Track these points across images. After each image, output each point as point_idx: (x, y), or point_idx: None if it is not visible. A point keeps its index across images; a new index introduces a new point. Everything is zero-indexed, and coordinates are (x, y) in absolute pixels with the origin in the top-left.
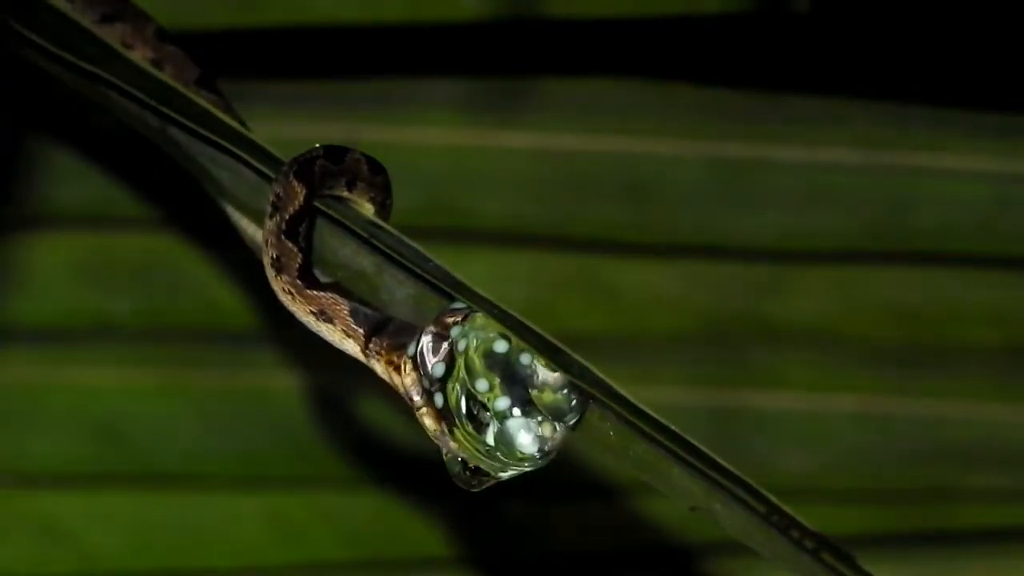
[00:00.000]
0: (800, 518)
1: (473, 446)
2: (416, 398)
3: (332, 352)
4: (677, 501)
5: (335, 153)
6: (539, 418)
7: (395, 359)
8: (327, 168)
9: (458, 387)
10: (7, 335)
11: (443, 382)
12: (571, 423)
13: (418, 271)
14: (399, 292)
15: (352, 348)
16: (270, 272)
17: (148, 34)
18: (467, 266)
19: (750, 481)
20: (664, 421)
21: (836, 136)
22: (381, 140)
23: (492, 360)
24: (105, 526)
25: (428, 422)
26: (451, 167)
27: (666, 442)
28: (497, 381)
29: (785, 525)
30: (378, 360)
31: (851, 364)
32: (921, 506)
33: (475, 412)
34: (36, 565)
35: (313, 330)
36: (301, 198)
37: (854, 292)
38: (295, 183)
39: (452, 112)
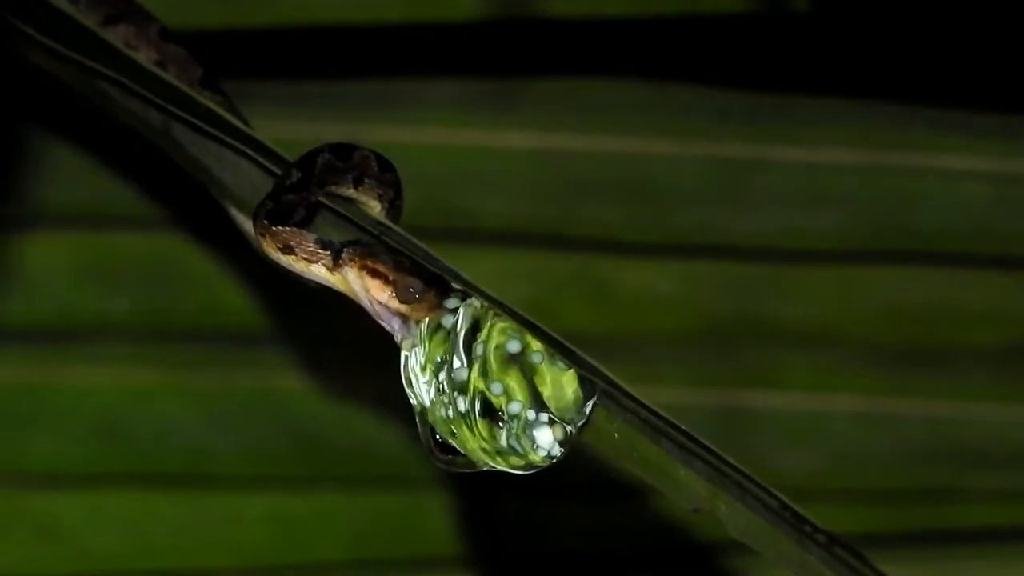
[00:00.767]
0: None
1: (484, 446)
2: (394, 303)
3: (332, 352)
4: (681, 502)
5: (342, 150)
6: (551, 420)
7: (370, 263)
8: (332, 163)
9: (473, 388)
10: (7, 335)
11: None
12: (580, 424)
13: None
14: None
15: (321, 272)
16: (252, 228)
17: (152, 35)
18: (466, 266)
19: (760, 480)
20: (675, 421)
21: (836, 136)
22: (381, 140)
23: (506, 361)
24: (105, 526)
25: (405, 331)
26: (451, 167)
27: (681, 439)
28: (510, 383)
29: (797, 521)
30: (351, 266)
31: (851, 364)
32: (921, 506)
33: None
34: (36, 565)
35: (287, 268)
36: (293, 179)
37: (854, 292)
38: (292, 170)
39: (452, 112)
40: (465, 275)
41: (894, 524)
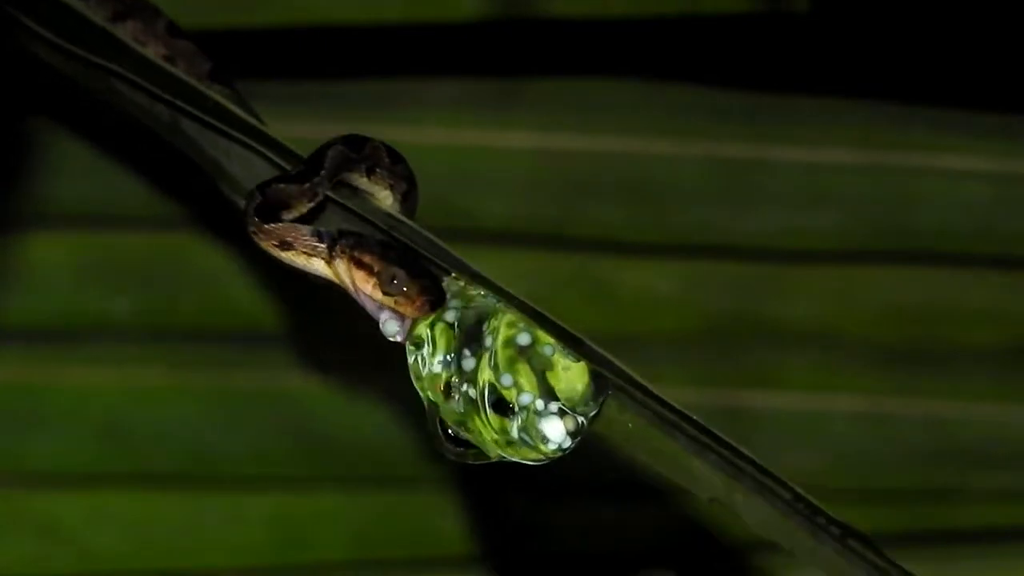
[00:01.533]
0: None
1: (495, 437)
2: (379, 295)
3: (333, 352)
4: (698, 494)
5: (354, 141)
6: (563, 411)
7: (356, 254)
8: (346, 155)
9: (483, 380)
10: (7, 335)
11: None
12: (592, 415)
13: (436, 263)
14: None
15: (320, 267)
16: (247, 226)
17: (160, 30)
18: None
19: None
20: (689, 412)
21: (836, 136)
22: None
23: (516, 353)
24: (105, 526)
25: (391, 324)
26: (451, 167)
27: (693, 431)
28: (521, 375)
29: (811, 513)
30: (341, 258)
31: (851, 364)
32: (921, 506)
33: (500, 404)
34: (36, 565)
35: (287, 264)
36: (293, 172)
37: (854, 292)
38: (299, 165)
39: (452, 112)
40: (474, 268)
41: (894, 524)
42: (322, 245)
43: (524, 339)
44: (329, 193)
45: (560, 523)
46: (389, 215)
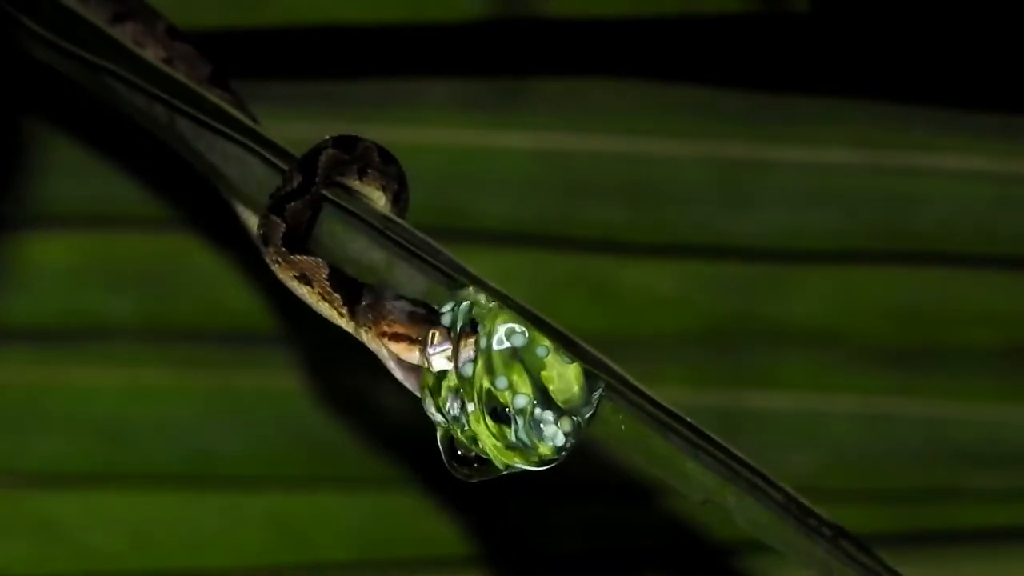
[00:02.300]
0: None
1: (494, 442)
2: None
3: (333, 352)
4: (690, 494)
5: (346, 142)
6: (558, 414)
7: (386, 328)
8: (337, 157)
9: (478, 384)
10: (7, 335)
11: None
12: (587, 417)
13: (430, 263)
14: (410, 286)
15: (328, 311)
16: (261, 248)
17: (159, 32)
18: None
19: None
20: (682, 414)
21: (836, 136)
22: (381, 140)
23: (510, 355)
24: (105, 526)
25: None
26: (451, 167)
27: (686, 432)
28: (516, 377)
29: (803, 514)
30: (367, 333)
31: (851, 364)
32: (921, 506)
33: (496, 408)
34: (36, 565)
35: (297, 294)
36: (295, 184)
37: (854, 292)
38: (294, 173)
39: (452, 112)
40: (471, 270)
41: (894, 524)
42: (337, 296)
43: (518, 340)
44: (325, 192)
45: (559, 523)
46: (384, 216)
